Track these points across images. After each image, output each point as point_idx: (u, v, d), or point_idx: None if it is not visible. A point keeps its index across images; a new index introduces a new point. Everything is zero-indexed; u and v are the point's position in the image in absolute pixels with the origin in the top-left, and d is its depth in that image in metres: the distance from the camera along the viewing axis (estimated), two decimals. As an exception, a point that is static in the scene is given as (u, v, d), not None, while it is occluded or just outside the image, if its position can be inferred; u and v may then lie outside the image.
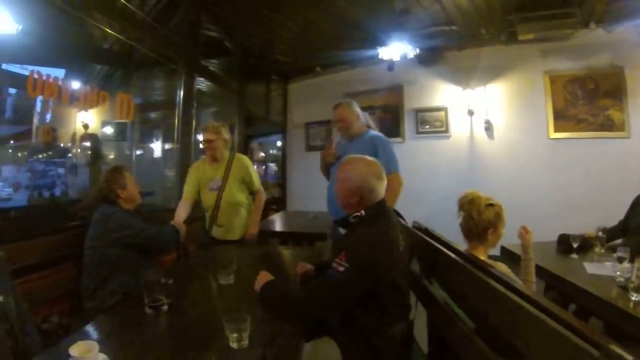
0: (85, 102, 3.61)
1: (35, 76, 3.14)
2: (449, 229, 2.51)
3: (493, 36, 5.92)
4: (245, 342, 1.59)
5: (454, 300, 2.25)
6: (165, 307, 1.97)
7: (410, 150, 6.79)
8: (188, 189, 3.62)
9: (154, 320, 1.92)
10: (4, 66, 5.01)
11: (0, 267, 1.82)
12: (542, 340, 1.35)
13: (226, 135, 3.64)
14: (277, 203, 8.06)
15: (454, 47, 6.39)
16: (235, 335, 1.57)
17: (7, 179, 5.41)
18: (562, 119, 5.85)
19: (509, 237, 2.61)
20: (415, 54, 5.73)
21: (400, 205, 2.31)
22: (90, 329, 1.80)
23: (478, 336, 1.80)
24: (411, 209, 3.12)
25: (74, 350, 1.39)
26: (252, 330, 1.61)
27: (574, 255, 3.15)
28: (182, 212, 3.47)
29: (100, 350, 1.42)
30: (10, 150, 5.87)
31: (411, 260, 2.88)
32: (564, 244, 3.28)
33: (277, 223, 5.56)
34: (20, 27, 3.46)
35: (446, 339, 2.23)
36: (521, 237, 2.55)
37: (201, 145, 3.69)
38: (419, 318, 2.40)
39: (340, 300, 1.91)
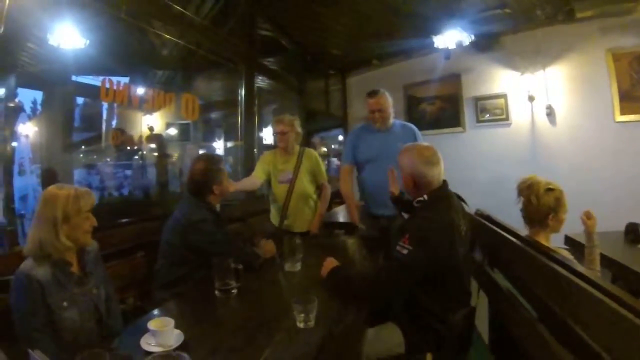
0: (153, 105, 3.81)
1: (107, 84, 3.35)
2: (512, 218, 2.48)
3: (549, 16, 5.60)
4: (312, 322, 1.67)
5: (516, 288, 2.24)
6: (235, 291, 2.09)
7: (471, 140, 6.66)
8: (257, 173, 3.65)
9: (224, 303, 2.05)
10: (73, 77, 5.37)
11: (95, 259, 1.98)
12: (607, 326, 1.33)
13: (298, 128, 3.74)
14: (340, 196, 8.10)
15: (509, 31, 6.13)
16: (302, 315, 1.66)
17: (80, 181, 5.73)
18: (628, 100, 5.47)
19: (574, 227, 2.57)
20: (470, 40, 5.61)
21: (462, 195, 2.32)
22: (163, 309, 1.96)
23: (542, 324, 1.80)
24: (473, 198, 3.07)
25: (152, 324, 1.53)
26: (318, 312, 1.69)
27: (643, 246, 3.00)
28: (244, 181, 3.65)
29: (175, 327, 1.55)
30: (81, 155, 6.23)
31: (473, 248, 2.89)
32: (633, 233, 3.14)
33: (342, 215, 5.65)
34: (88, 41, 3.71)
35: (508, 328, 2.23)
36: (584, 223, 2.43)
37: (264, 142, 3.73)
38: (481, 308, 2.40)
39: (404, 281, 1.97)
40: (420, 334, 2.05)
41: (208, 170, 2.69)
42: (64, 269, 1.76)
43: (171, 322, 1.55)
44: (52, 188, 1.80)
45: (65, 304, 1.72)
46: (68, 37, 3.45)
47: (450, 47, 5.68)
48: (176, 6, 4.04)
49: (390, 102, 3.53)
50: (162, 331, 1.52)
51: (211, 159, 2.82)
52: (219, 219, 2.75)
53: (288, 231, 3.63)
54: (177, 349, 1.46)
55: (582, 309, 1.50)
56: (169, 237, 2.60)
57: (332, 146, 10.29)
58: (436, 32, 5.53)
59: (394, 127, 3.59)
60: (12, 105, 3.57)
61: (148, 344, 1.51)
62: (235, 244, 2.69)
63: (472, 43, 5.76)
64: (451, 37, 5.52)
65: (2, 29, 2.52)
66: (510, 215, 2.46)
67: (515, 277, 2.29)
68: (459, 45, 5.63)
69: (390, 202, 2.93)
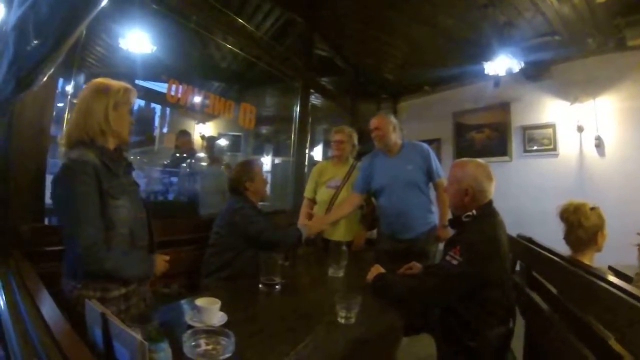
0: (213, 109, 4.07)
1: (173, 86, 3.64)
2: (558, 247, 2.46)
3: (600, 45, 5.49)
4: (353, 319, 1.73)
5: (558, 310, 2.21)
6: (278, 287, 2.17)
7: (518, 170, 6.56)
8: (309, 188, 3.92)
9: (267, 296, 2.13)
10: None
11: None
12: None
13: (355, 141, 3.90)
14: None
15: (559, 60, 6.06)
16: (344, 311, 1.73)
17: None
18: (680, 133, 5.21)
19: (618, 258, 2.55)
20: (520, 67, 5.55)
21: (508, 225, 2.33)
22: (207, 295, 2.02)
23: (587, 349, 1.73)
24: (518, 227, 3.09)
25: (200, 302, 1.63)
26: (359, 311, 1.75)
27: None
28: (306, 211, 3.83)
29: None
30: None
31: (514, 270, 2.89)
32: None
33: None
34: (155, 47, 3.94)
35: (546, 351, 2.20)
36: None
37: (314, 159, 3.80)
38: (517, 331, 2.37)
39: (450, 290, 2.01)
40: (454, 348, 2.07)
41: (239, 169, 3.11)
42: (111, 156, 1.79)
43: (218, 302, 1.64)
44: (101, 79, 1.86)
45: (118, 191, 1.76)
46: (137, 42, 3.67)
47: (500, 74, 5.62)
48: (239, 19, 4.24)
49: (391, 123, 3.45)
50: (208, 308, 1.60)
51: (244, 161, 3.27)
52: (260, 213, 3.05)
53: (327, 239, 3.67)
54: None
55: (626, 323, 1.46)
56: (217, 228, 2.90)
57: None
58: (487, 58, 5.51)
59: (403, 149, 3.49)
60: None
61: (193, 319, 1.60)
62: (274, 228, 3.00)
63: (522, 71, 5.68)
64: (501, 64, 5.47)
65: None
66: (556, 244, 2.46)
67: (557, 298, 2.25)
68: (509, 72, 5.56)
69: (410, 225, 3.22)
